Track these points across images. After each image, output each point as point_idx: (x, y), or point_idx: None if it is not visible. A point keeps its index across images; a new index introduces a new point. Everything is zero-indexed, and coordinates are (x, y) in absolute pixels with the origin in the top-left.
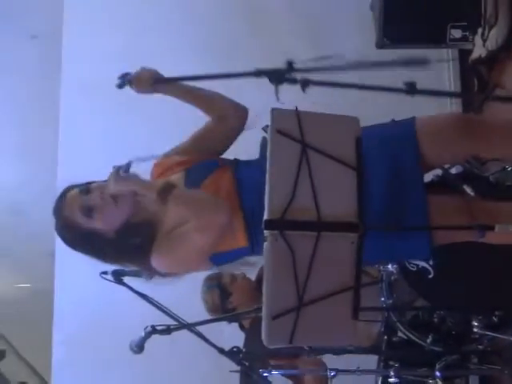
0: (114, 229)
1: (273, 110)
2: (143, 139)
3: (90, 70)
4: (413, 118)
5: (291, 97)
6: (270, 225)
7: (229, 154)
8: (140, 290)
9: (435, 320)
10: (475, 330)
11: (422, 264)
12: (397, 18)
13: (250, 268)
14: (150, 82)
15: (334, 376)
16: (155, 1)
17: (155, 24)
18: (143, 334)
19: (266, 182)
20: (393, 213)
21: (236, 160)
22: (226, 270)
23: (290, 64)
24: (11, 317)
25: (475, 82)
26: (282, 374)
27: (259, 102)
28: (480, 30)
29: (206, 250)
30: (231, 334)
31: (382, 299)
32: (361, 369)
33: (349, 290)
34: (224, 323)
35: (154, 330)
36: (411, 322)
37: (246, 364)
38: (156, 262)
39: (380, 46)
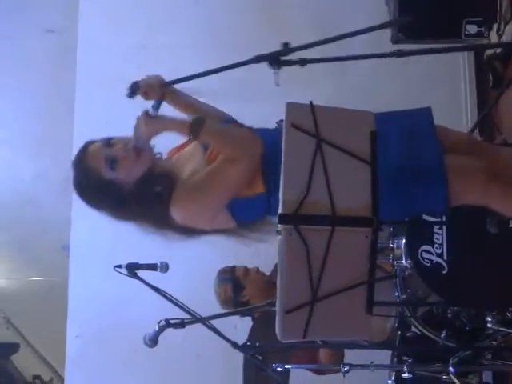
0: (135, 180)
1: (288, 104)
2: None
3: (104, 64)
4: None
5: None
6: (285, 219)
7: None
8: (154, 284)
9: (449, 315)
10: (489, 325)
11: (437, 259)
12: (412, 13)
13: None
14: (158, 87)
15: (347, 371)
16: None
17: (170, 19)
18: (157, 327)
19: (281, 175)
20: (409, 167)
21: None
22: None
23: (285, 45)
24: (25, 310)
25: (490, 78)
26: (296, 368)
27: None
28: (496, 26)
29: (235, 183)
30: (244, 328)
31: (396, 294)
32: (374, 364)
33: (363, 284)
34: (237, 317)
35: (167, 324)
36: (425, 317)
37: (260, 358)
38: (177, 208)
39: (395, 41)
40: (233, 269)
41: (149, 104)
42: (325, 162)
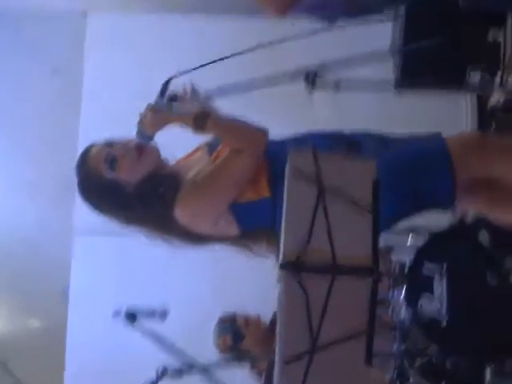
0: (137, 180)
1: (290, 151)
2: None
3: (109, 104)
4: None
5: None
6: (285, 267)
7: None
8: (153, 327)
9: (448, 366)
10: (488, 377)
11: (436, 311)
12: (416, 61)
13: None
14: (154, 115)
15: None
16: (174, 39)
17: (174, 61)
18: (156, 375)
19: (282, 223)
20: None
21: None
22: None
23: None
24: (22, 355)
25: (493, 127)
26: None
27: None
28: (499, 75)
29: (240, 175)
30: (244, 377)
31: (395, 346)
32: None
33: (362, 335)
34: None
35: (165, 371)
36: (424, 367)
37: None
38: (180, 207)
39: (399, 88)
40: (233, 317)
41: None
42: (326, 209)
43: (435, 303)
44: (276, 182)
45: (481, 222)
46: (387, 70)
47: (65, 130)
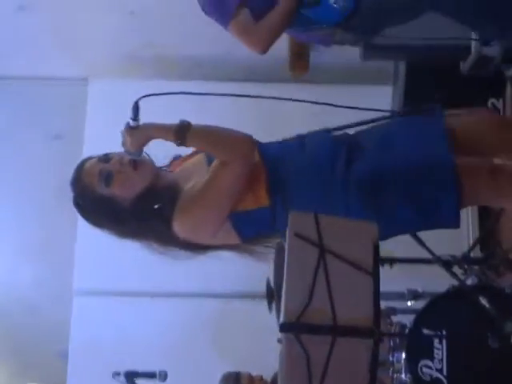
0: (133, 196)
1: (291, 213)
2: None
3: None
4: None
5: None
6: (286, 328)
7: None
8: None
9: None
10: None
11: (436, 374)
12: (418, 95)
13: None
14: (132, 135)
15: None
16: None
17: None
18: None
19: (283, 284)
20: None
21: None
22: None
23: None
24: None
25: None
26: None
27: None
28: None
29: (230, 189)
30: None
31: None
32: None
33: None
34: None
35: None
36: None
37: None
38: (178, 223)
39: None
40: (237, 376)
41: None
42: (327, 271)
43: (436, 365)
44: (276, 188)
45: (481, 285)
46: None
47: (65, 194)
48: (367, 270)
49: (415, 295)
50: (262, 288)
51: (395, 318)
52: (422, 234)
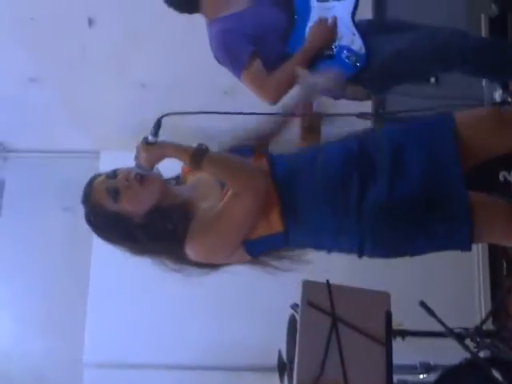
0: (142, 212)
1: (304, 282)
2: (170, 317)
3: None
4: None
5: None
6: None
7: None
8: None
9: None
10: None
11: None
12: None
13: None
14: (148, 151)
15: None
16: None
17: None
18: None
19: (296, 353)
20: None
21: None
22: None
23: None
24: None
25: (504, 266)
26: None
27: None
28: None
29: (243, 221)
30: None
31: None
32: None
33: None
34: None
35: None
36: None
37: None
38: (190, 248)
39: None
40: None
41: None
42: (340, 340)
43: None
44: (288, 213)
45: (494, 358)
46: None
47: (76, 266)
48: (380, 340)
49: (427, 368)
50: (274, 360)
51: None
52: (434, 305)
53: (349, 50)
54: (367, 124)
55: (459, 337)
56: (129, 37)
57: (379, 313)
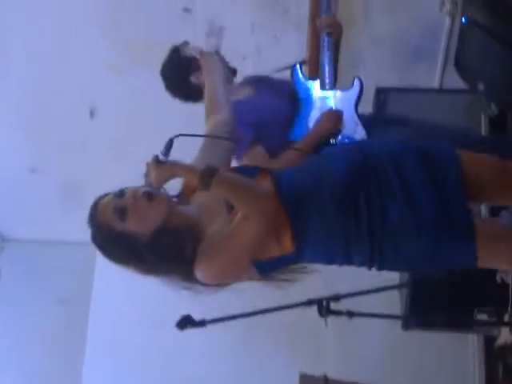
0: (149, 231)
1: (301, 375)
2: None
3: (115, 334)
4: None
5: None
6: None
7: None
8: None
9: None
10: None
11: None
12: (424, 301)
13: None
14: (158, 170)
15: None
16: None
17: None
18: None
19: None
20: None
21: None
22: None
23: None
24: None
25: (500, 369)
26: None
27: None
28: (507, 316)
29: (251, 244)
30: None
31: None
32: None
33: None
34: None
35: None
36: None
37: None
38: (201, 271)
39: (406, 327)
40: None
41: None
42: None
43: None
44: (299, 232)
45: None
46: (395, 305)
47: (70, 359)
48: None
49: None
50: None
51: None
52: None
53: (350, 139)
54: None
55: None
56: (129, 128)
57: None
